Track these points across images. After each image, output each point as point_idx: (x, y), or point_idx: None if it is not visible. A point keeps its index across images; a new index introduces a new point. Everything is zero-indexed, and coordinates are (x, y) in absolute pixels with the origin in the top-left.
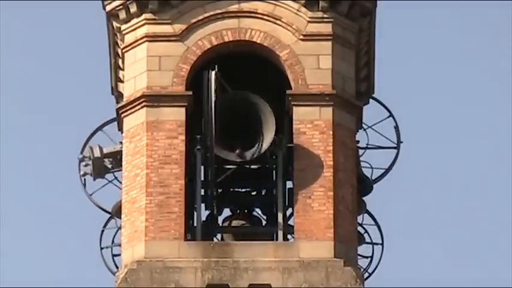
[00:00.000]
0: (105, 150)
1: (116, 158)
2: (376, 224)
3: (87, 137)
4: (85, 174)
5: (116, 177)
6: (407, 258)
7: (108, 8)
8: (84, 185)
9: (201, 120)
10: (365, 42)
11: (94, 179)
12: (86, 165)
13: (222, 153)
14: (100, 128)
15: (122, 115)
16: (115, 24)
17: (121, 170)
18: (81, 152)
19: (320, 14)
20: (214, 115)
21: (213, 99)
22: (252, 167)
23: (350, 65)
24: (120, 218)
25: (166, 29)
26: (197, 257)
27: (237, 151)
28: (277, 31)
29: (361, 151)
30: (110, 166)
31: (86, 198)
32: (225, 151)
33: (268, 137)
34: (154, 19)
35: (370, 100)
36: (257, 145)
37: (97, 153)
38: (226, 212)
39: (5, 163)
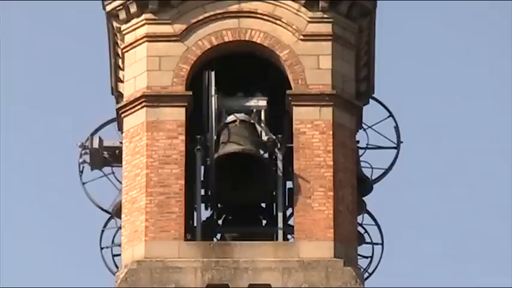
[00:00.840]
0: (105, 143)
1: (115, 153)
2: (376, 224)
3: (87, 137)
4: (84, 162)
5: (113, 172)
6: (407, 258)
7: (108, 8)
8: (81, 172)
9: (201, 121)
10: (365, 42)
11: (91, 169)
12: (85, 153)
13: (225, 195)
14: (99, 129)
15: (122, 115)
16: (115, 24)
17: (120, 166)
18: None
19: (320, 14)
20: (214, 116)
21: (213, 100)
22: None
23: (350, 65)
24: (120, 218)
25: (166, 29)
26: (197, 257)
27: (239, 192)
28: (277, 31)
29: (361, 151)
30: (109, 159)
31: (86, 199)
32: (227, 192)
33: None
34: (154, 19)
35: (370, 100)
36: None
37: (95, 145)
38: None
39: (4, 164)
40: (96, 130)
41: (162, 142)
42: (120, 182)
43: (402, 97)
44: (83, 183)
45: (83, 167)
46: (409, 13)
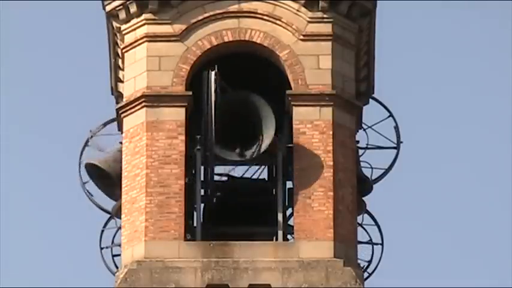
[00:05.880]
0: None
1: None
2: (376, 224)
3: (86, 138)
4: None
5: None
6: (407, 258)
7: (108, 8)
8: (83, 181)
9: (201, 120)
10: (365, 42)
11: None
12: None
13: (222, 152)
14: (99, 129)
15: (122, 115)
16: (115, 24)
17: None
18: (81, 155)
19: (320, 14)
20: (214, 115)
21: (213, 99)
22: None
23: (350, 65)
24: (120, 218)
25: (166, 29)
26: (197, 257)
27: (237, 150)
28: (277, 31)
29: (361, 151)
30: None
31: (86, 199)
32: (225, 151)
33: (269, 135)
34: (154, 19)
35: (370, 100)
36: (257, 144)
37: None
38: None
39: (5, 163)
40: (88, 140)
41: (162, 142)
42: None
43: (402, 97)
44: (83, 183)
45: (85, 183)
46: (409, 13)
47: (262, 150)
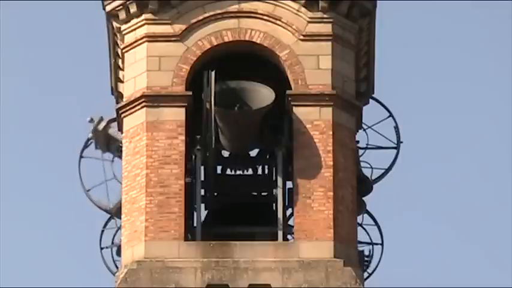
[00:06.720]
0: (110, 131)
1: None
2: (376, 224)
3: (86, 139)
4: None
5: (112, 160)
6: (407, 258)
7: (108, 8)
8: (82, 182)
9: (201, 120)
10: (365, 42)
11: (96, 147)
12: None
13: (222, 111)
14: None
15: (122, 115)
16: (115, 24)
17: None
18: (81, 153)
19: (320, 14)
20: (214, 115)
21: (213, 99)
22: (250, 172)
23: (350, 65)
24: (120, 218)
25: (166, 29)
26: (197, 257)
27: (237, 106)
28: (277, 31)
29: (361, 151)
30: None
31: (86, 199)
32: (225, 109)
33: (268, 97)
34: (154, 19)
35: (370, 100)
36: (257, 102)
37: (101, 127)
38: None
39: (5, 163)
40: (87, 140)
41: (162, 142)
42: (115, 176)
43: (402, 97)
44: (87, 190)
45: (82, 181)
46: (409, 13)
47: (261, 106)
